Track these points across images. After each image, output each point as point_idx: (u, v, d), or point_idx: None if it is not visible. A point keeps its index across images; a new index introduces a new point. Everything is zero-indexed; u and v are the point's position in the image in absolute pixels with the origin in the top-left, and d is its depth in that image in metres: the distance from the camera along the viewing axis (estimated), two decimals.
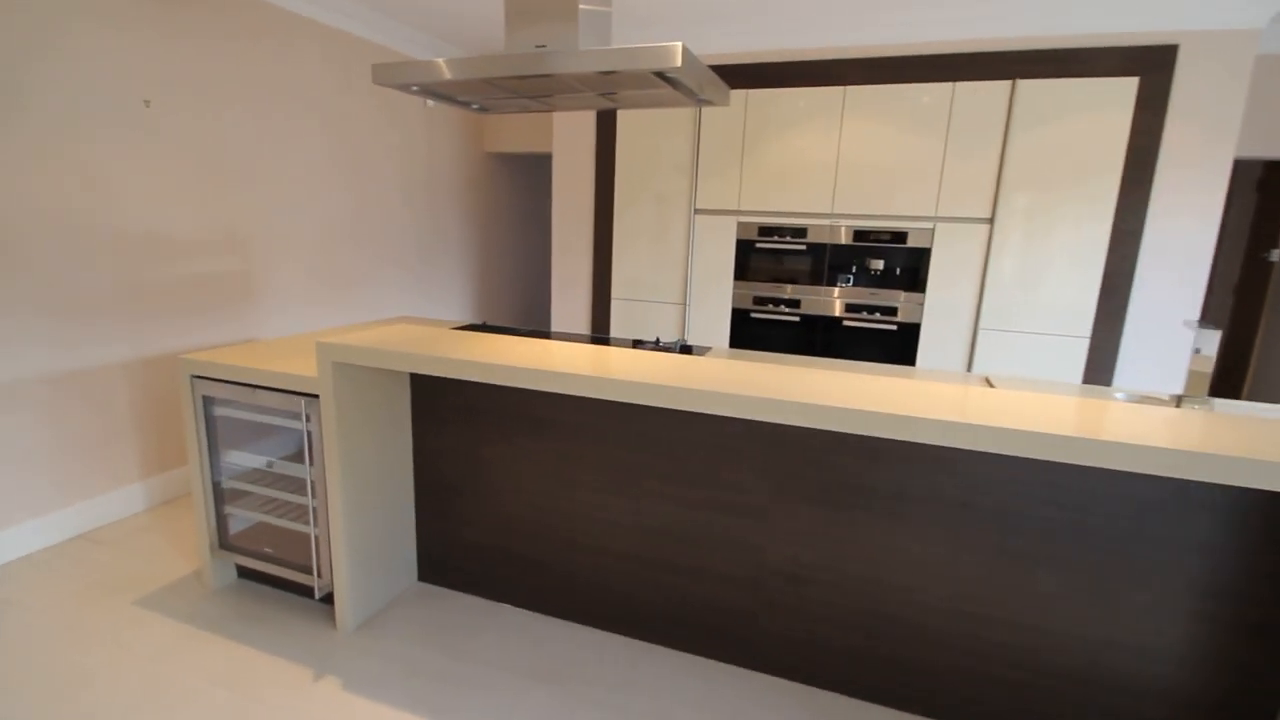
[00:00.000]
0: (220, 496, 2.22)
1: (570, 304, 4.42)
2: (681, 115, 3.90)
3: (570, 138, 4.21)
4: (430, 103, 4.18)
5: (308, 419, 1.97)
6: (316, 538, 2.06)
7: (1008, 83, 3.32)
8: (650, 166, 4.02)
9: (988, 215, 3.45)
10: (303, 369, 2.02)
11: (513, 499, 2.16)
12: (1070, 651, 1.64)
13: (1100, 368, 3.44)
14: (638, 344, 2.67)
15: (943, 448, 1.64)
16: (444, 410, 2.18)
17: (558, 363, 1.72)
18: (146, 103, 2.71)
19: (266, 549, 2.18)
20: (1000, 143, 3.37)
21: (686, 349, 2.62)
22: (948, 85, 3.41)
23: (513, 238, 5.59)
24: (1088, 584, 1.59)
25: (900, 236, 3.62)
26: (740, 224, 3.90)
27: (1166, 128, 3.19)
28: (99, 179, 2.58)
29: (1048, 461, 1.55)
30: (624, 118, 4.03)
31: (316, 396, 1.95)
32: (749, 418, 1.48)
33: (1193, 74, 3.12)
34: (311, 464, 2.00)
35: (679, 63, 1.73)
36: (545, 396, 2.03)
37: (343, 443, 1.96)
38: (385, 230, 4.13)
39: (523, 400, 2.06)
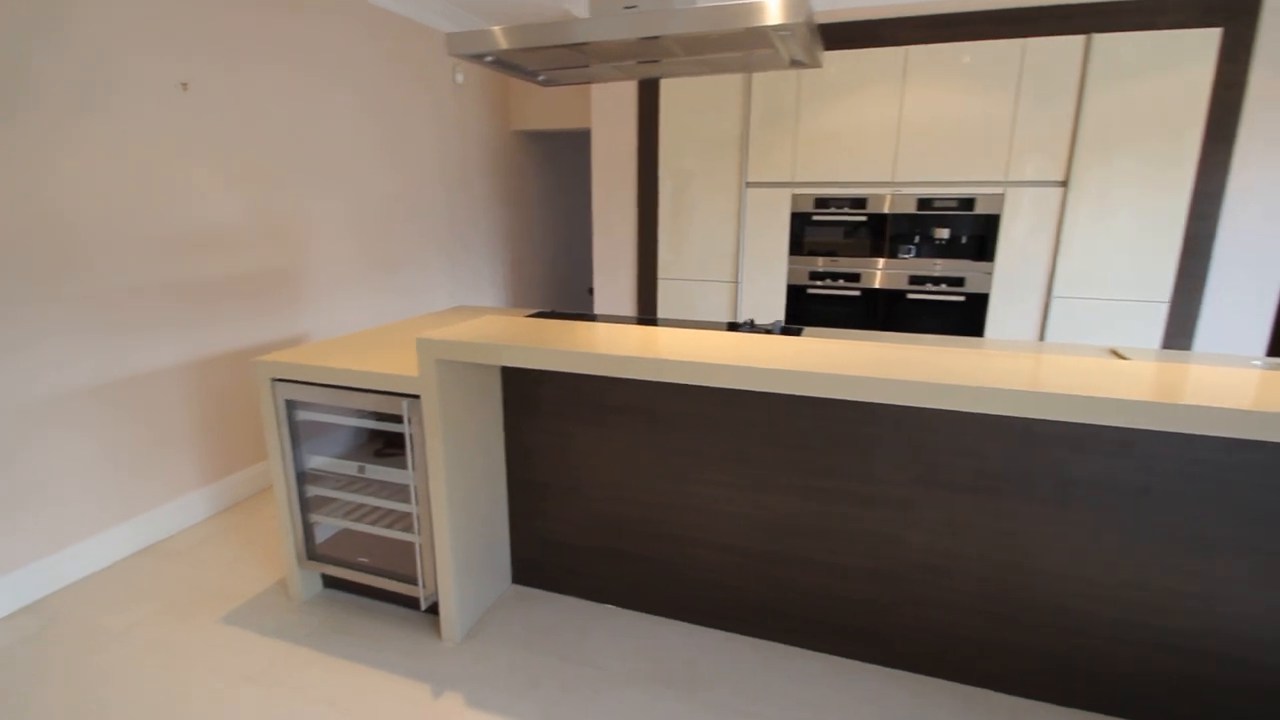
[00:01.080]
0: (305, 505, 2.09)
1: (614, 286, 4.27)
2: (729, 84, 3.73)
3: (610, 111, 4.03)
4: (459, 77, 3.98)
5: (409, 420, 1.84)
6: (420, 545, 1.94)
7: (1082, 37, 3.16)
8: (696, 139, 3.85)
9: (1061, 178, 3.31)
10: (386, 366, 1.88)
11: (615, 494, 2.04)
12: (1264, 646, 1.55)
13: (1179, 332, 3.33)
14: (733, 327, 2.53)
15: (1116, 429, 1.52)
16: (539, 404, 2.04)
17: (682, 351, 1.59)
18: (184, 85, 2.53)
19: (360, 558, 2.06)
20: (1075, 101, 3.22)
21: (787, 330, 2.48)
22: (1017, 42, 3.25)
23: (542, 217, 5.41)
24: None
25: (968, 203, 3.48)
26: (795, 196, 3.74)
27: (1251, 80, 3.04)
28: (138, 170, 2.40)
29: (1245, 441, 1.44)
30: (668, 88, 3.84)
31: (417, 397, 1.82)
32: (919, 405, 1.36)
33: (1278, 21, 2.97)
34: (414, 469, 1.87)
35: (805, 17, 1.58)
36: (654, 386, 1.90)
37: (446, 444, 1.83)
38: (422, 213, 3.96)
39: (628, 390, 1.93)
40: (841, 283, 3.77)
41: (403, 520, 1.99)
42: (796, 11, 1.54)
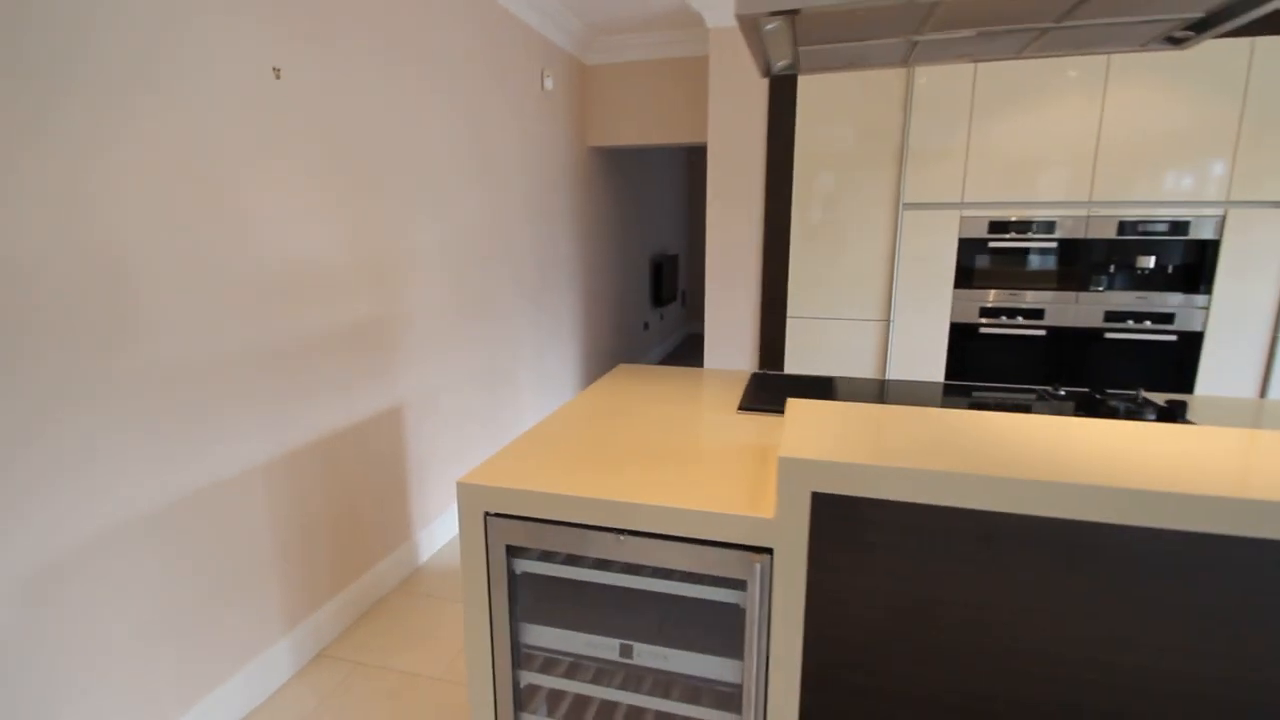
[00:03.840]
0: (519, 698, 1.35)
1: (729, 325, 3.62)
2: (885, 91, 3.15)
3: (732, 121, 3.41)
4: (549, 83, 3.30)
5: (760, 584, 1.13)
6: None
7: None
8: (840, 153, 3.26)
9: None
10: (679, 495, 1.18)
11: (989, 655, 1.36)
12: None
13: None
14: (1043, 396, 1.87)
15: None
16: (864, 534, 1.36)
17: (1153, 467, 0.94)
18: (276, 72, 1.79)
19: None
20: None
21: (1170, 411, 1.77)
22: (1245, 41, 2.77)
23: (613, 246, 4.73)
24: None
25: (1180, 227, 2.96)
26: (964, 219, 3.17)
27: None
28: (210, 186, 1.65)
29: None
30: (807, 93, 3.25)
31: (767, 551, 1.12)
32: None
33: None
34: (753, 654, 1.16)
35: None
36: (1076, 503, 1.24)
37: (797, 614, 1.13)
38: (511, 247, 3.24)
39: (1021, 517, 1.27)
40: (1020, 320, 3.20)
41: None
42: None
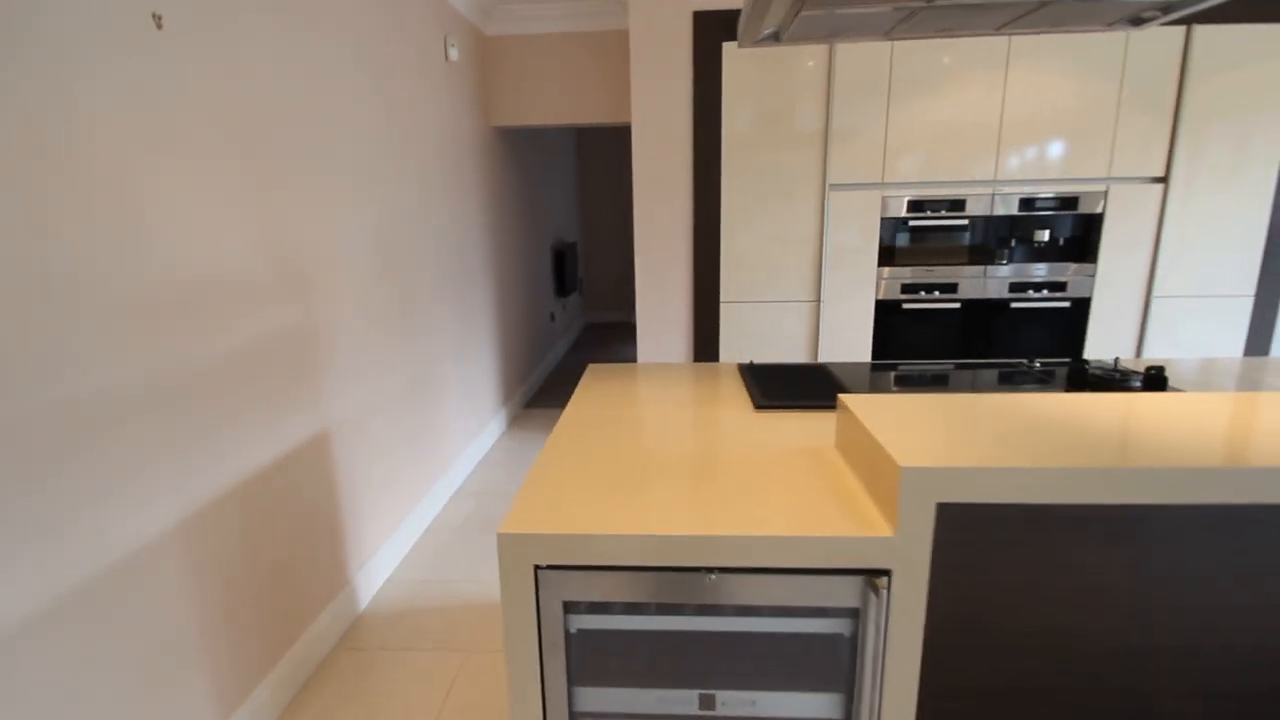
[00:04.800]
0: None
1: (662, 314, 3.48)
2: (806, 71, 3.14)
3: (657, 102, 3.25)
4: (454, 52, 2.99)
5: (872, 610, 1.00)
6: None
7: (1182, 28, 3.02)
8: (768, 135, 3.22)
9: (1161, 174, 3.16)
10: (756, 521, 1.03)
11: (1136, 652, 1.35)
12: None
13: (1261, 330, 3.35)
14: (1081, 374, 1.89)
15: None
16: (987, 542, 1.29)
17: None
18: (157, 19, 1.39)
19: None
20: (1175, 93, 3.08)
21: (1157, 379, 1.78)
22: (1120, 34, 3.03)
23: (523, 238, 4.42)
24: None
25: (1070, 202, 3.22)
26: (885, 199, 3.25)
27: None
28: (88, 170, 1.25)
29: None
30: (732, 77, 3.16)
31: (884, 573, 1.00)
32: None
33: None
34: (863, 693, 1.03)
35: None
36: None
37: (913, 640, 1.03)
38: (434, 234, 2.88)
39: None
40: (937, 295, 3.35)
41: None
42: None
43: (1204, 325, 3.31)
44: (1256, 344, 3.35)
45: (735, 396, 1.66)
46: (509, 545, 1.01)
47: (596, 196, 6.97)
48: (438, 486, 2.97)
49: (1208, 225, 3.19)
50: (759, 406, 1.54)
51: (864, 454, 1.12)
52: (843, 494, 1.10)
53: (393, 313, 2.52)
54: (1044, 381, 1.76)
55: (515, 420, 4.17)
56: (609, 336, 6.60)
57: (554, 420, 4.16)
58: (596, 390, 1.77)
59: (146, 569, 1.37)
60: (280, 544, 1.83)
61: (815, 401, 1.55)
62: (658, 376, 1.89)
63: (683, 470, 1.22)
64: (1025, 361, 1.93)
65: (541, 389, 4.85)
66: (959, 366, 1.96)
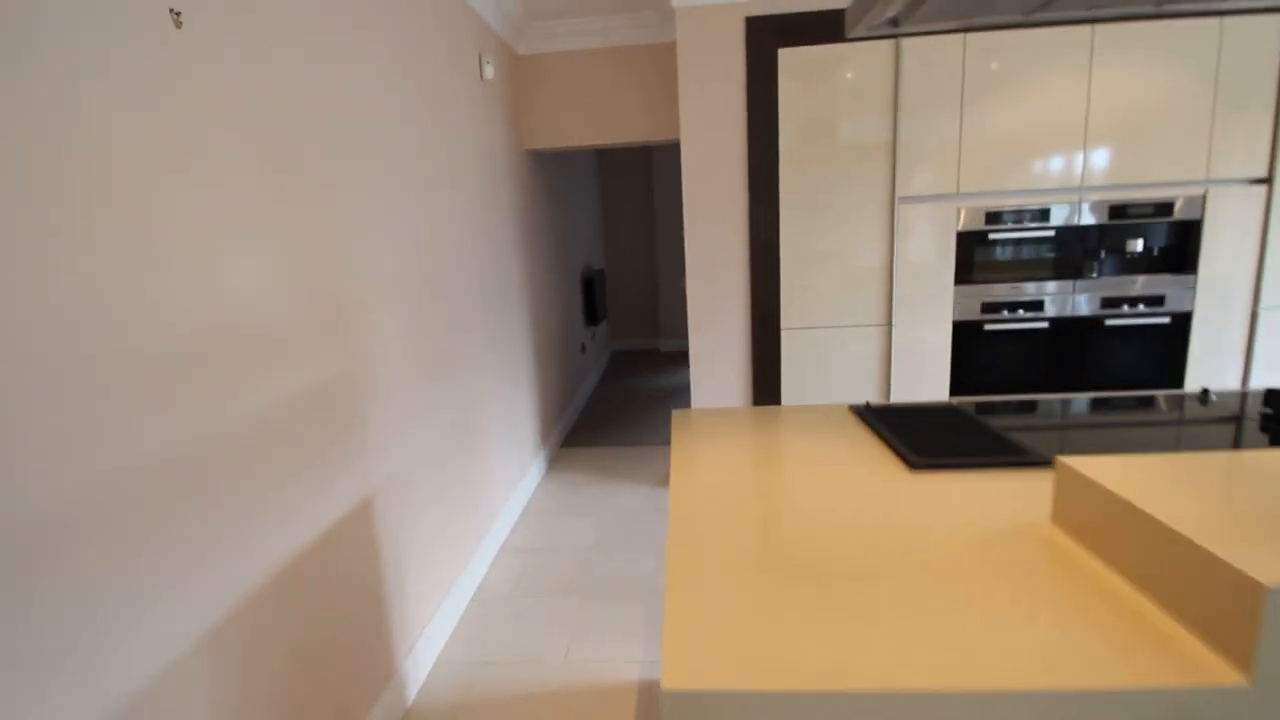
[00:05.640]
0: None
1: (716, 342, 3.20)
2: (870, 78, 2.89)
3: (707, 118, 3.00)
4: (489, 70, 2.78)
5: None
6: None
7: (1276, 16, 2.75)
8: (828, 147, 2.96)
9: (1265, 174, 2.88)
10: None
11: None
12: None
13: None
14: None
15: None
16: None
17: None
18: (176, 15, 1.14)
19: None
20: (1275, 87, 2.81)
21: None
22: (1213, 21, 2.78)
23: (555, 266, 4.17)
24: None
25: (1165, 208, 2.94)
26: (961, 210, 2.98)
27: None
28: (94, 201, 0.99)
29: None
30: (788, 87, 2.92)
31: None
32: None
33: None
34: None
35: None
36: None
37: None
38: (468, 266, 2.63)
39: None
40: (1021, 313, 3.06)
41: None
42: None
43: None
44: None
45: (871, 450, 1.37)
46: (681, 710, 0.72)
47: (619, 219, 6.75)
48: (484, 544, 2.68)
49: None
50: (915, 466, 1.25)
51: (1134, 543, 0.82)
52: (1109, 604, 0.81)
53: (437, 347, 2.25)
54: (1234, 421, 1.46)
55: (554, 461, 3.88)
56: (638, 365, 6.33)
57: (594, 460, 3.87)
58: (697, 444, 1.48)
59: (176, 690, 1.09)
60: (322, 637, 1.54)
61: (981, 458, 1.26)
62: (760, 425, 1.60)
63: (865, 566, 0.93)
64: (1200, 391, 1.63)
65: (577, 425, 4.57)
66: (1098, 402, 1.65)
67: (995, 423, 1.49)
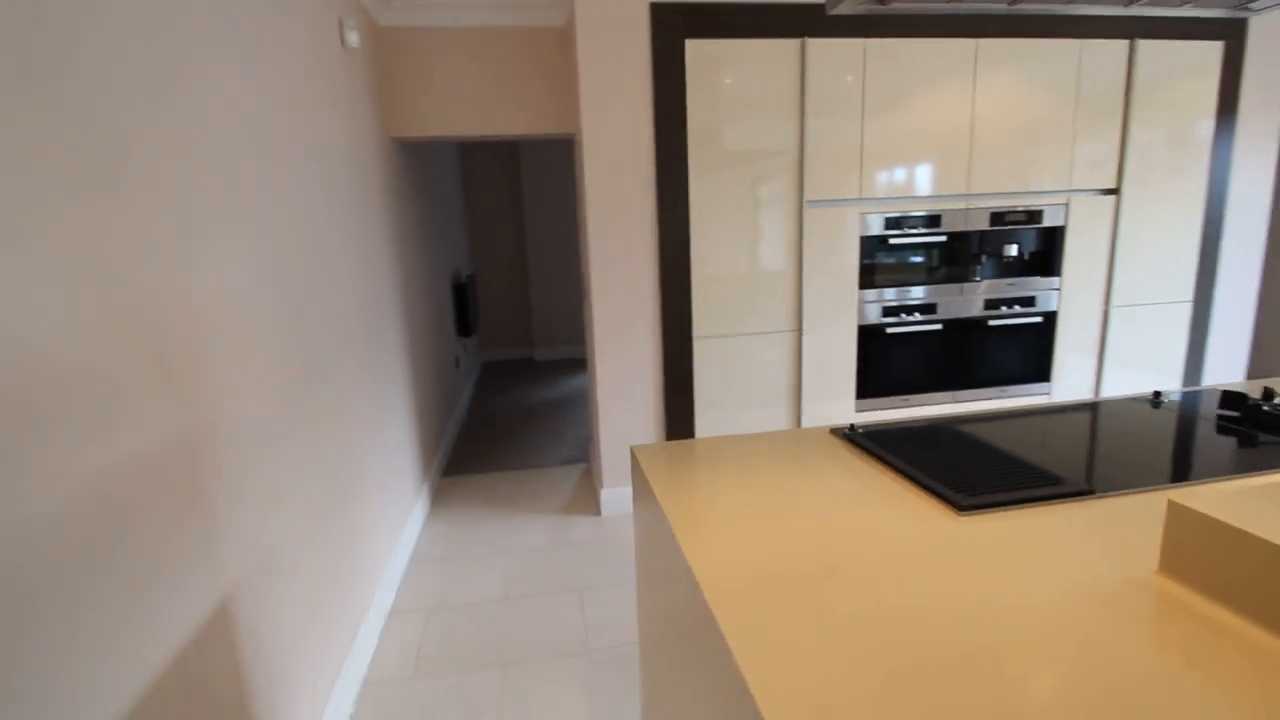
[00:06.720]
0: None
1: (627, 354, 2.94)
2: (777, 79, 2.79)
3: (608, 111, 2.73)
4: (352, 37, 2.39)
5: None
6: None
7: (1125, 42, 3.03)
8: (736, 149, 2.82)
9: (1114, 185, 3.17)
10: None
11: None
12: None
13: (1199, 329, 3.46)
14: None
15: None
16: None
17: None
18: None
19: None
20: (1122, 105, 3.09)
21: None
22: (1074, 43, 3.00)
23: (426, 271, 3.67)
24: None
25: (1035, 215, 3.14)
26: (863, 217, 2.97)
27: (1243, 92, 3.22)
28: None
29: None
30: (697, 82, 2.72)
31: None
32: None
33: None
34: None
35: None
36: None
37: None
38: (338, 277, 2.15)
39: None
40: (918, 316, 3.12)
41: None
42: None
43: (1153, 330, 3.36)
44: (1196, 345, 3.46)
45: (893, 489, 1.19)
46: None
47: (486, 220, 6.27)
48: (371, 612, 2.20)
49: (1154, 233, 3.24)
50: (963, 508, 1.07)
51: None
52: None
53: (308, 384, 1.78)
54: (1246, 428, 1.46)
55: (438, 496, 3.41)
56: (513, 377, 5.90)
57: (484, 489, 3.44)
58: (680, 488, 1.21)
59: None
60: None
61: (1021, 492, 1.12)
62: (742, 459, 1.36)
63: (977, 662, 0.71)
64: (1151, 395, 1.65)
65: (457, 449, 4.09)
66: (1077, 407, 1.62)
67: (988, 440, 1.37)
